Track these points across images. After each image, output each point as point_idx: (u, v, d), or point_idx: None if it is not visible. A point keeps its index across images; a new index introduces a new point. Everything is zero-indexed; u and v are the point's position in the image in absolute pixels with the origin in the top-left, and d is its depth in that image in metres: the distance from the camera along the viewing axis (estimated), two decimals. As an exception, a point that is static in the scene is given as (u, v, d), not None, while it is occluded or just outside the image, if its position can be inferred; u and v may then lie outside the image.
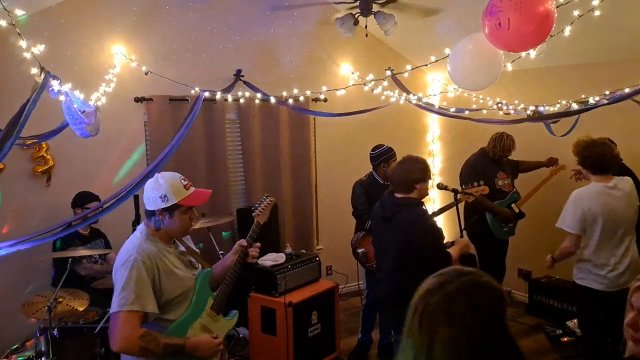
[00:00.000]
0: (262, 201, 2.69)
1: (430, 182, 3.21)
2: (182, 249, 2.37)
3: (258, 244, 2.56)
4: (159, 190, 2.18)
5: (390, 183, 3.36)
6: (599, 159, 3.38)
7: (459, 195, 3.53)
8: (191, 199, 2.23)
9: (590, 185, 3.39)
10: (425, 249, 2.98)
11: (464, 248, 3.19)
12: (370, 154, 4.45)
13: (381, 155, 4.33)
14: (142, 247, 2.16)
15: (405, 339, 1.17)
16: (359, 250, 4.30)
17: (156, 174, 2.27)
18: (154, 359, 2.11)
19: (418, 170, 3.12)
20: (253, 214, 2.63)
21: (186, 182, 2.25)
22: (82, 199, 3.93)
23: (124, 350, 2.10)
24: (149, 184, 2.24)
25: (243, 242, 2.50)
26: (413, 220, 3.06)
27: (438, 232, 3.14)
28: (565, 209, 3.42)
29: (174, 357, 2.13)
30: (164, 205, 2.17)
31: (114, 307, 2.08)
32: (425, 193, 3.17)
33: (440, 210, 4.26)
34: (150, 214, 2.23)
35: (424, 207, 3.20)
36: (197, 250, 2.50)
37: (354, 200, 4.37)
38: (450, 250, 3.11)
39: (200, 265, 2.40)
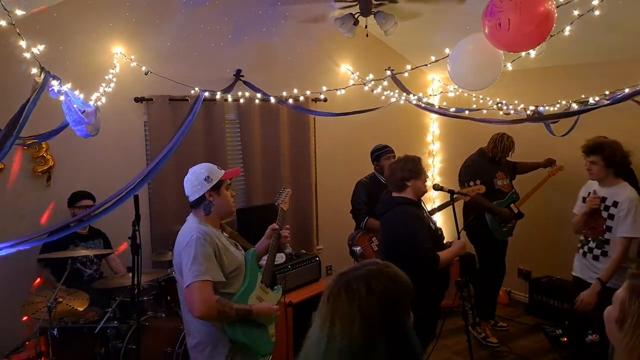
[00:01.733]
0: (281, 193, 3.04)
1: (424, 179, 3.22)
2: (227, 235, 2.62)
3: (287, 226, 2.89)
4: (201, 174, 2.46)
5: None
6: (628, 163, 3.41)
7: (455, 195, 3.53)
8: (229, 172, 2.56)
9: (630, 187, 3.39)
10: (406, 248, 3.02)
11: (459, 250, 3.17)
12: (370, 155, 4.55)
13: (373, 153, 4.50)
14: (199, 228, 2.41)
15: (317, 312, 1.33)
16: (355, 249, 4.32)
17: (189, 169, 2.51)
18: (226, 323, 2.39)
19: (405, 169, 3.17)
20: (276, 203, 2.97)
21: (217, 165, 2.55)
22: (75, 198, 3.95)
23: (204, 314, 2.30)
24: (188, 178, 2.49)
25: (275, 225, 2.82)
26: (397, 218, 3.14)
27: (422, 233, 3.06)
28: (633, 215, 3.26)
29: (241, 322, 2.41)
30: (210, 185, 2.45)
31: (188, 279, 2.30)
32: (419, 191, 3.20)
33: (435, 210, 4.28)
34: (200, 200, 2.46)
35: (415, 206, 3.17)
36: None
37: (353, 199, 4.46)
38: (445, 251, 3.10)
39: (242, 248, 2.68)
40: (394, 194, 3.23)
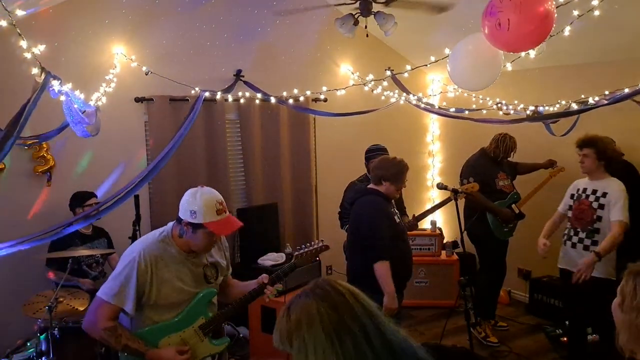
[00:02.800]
0: (311, 244, 2.64)
1: (400, 187, 3.35)
2: (204, 261, 2.38)
3: (279, 285, 2.54)
4: (192, 204, 2.21)
5: None
6: (618, 158, 3.66)
7: (457, 194, 3.56)
8: (218, 225, 2.21)
9: (619, 181, 3.56)
10: (365, 234, 3.22)
11: (388, 300, 3.11)
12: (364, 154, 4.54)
13: (367, 153, 4.44)
14: (149, 247, 2.25)
15: (305, 337, 1.29)
16: None
17: (200, 187, 2.27)
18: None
19: (391, 171, 3.31)
20: (295, 253, 2.61)
21: (221, 207, 2.23)
22: (81, 198, 3.92)
23: (87, 331, 2.25)
24: (189, 193, 2.26)
25: (265, 277, 2.49)
26: (362, 206, 3.35)
27: (380, 222, 3.21)
28: (622, 203, 3.47)
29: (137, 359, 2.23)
30: (190, 220, 2.21)
31: (99, 290, 2.23)
32: (391, 193, 3.34)
33: (433, 208, 4.28)
34: (179, 220, 2.27)
35: (384, 199, 3.32)
36: (224, 263, 2.49)
37: (341, 201, 4.45)
38: (389, 277, 3.11)
39: (217, 280, 2.43)
40: (369, 185, 3.41)
